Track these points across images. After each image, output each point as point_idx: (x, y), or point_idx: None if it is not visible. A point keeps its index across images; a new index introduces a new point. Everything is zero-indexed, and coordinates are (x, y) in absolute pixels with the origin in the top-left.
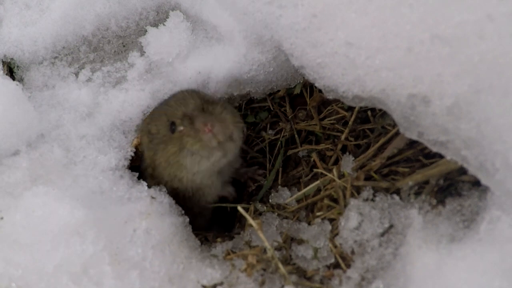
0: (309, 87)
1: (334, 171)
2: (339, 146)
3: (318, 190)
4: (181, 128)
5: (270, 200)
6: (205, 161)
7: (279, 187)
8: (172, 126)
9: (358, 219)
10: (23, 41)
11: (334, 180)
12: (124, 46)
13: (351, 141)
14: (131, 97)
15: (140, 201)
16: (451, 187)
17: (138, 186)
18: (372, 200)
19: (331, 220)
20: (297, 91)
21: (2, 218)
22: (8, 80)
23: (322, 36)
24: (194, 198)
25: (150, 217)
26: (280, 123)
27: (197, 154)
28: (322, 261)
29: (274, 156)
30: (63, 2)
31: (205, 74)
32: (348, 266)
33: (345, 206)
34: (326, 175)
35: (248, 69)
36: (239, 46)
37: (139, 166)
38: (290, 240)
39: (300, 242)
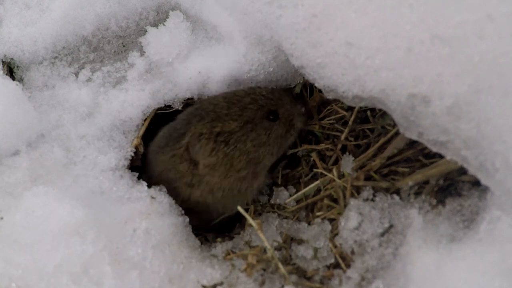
0: (309, 87)
1: (334, 171)
2: (339, 146)
3: (318, 190)
4: (299, 111)
5: (270, 200)
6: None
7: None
8: (270, 115)
9: (358, 219)
10: (23, 41)
11: (334, 180)
12: (124, 46)
13: (351, 141)
14: (131, 97)
15: (140, 201)
16: (451, 187)
17: (138, 186)
18: (372, 200)
19: (331, 220)
20: (297, 91)
21: (2, 218)
22: (8, 80)
23: (322, 36)
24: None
25: (150, 217)
26: None
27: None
28: (322, 261)
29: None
30: (63, 2)
31: (205, 74)
32: (348, 266)
33: (345, 206)
34: (326, 175)
35: (248, 69)
36: (239, 46)
37: (139, 167)
38: (290, 240)
39: (300, 242)
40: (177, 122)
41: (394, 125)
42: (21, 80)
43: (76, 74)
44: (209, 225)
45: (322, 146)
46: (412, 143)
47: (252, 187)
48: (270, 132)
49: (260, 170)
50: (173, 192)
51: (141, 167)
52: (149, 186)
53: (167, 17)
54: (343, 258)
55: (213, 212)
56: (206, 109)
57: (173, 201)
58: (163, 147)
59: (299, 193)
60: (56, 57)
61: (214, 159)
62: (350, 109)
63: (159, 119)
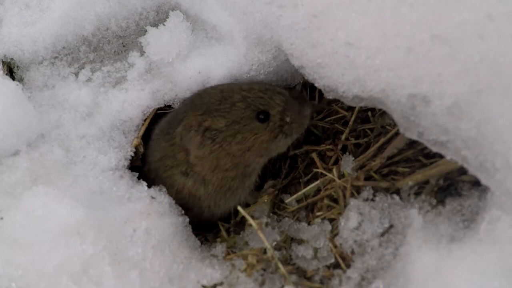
0: (309, 87)
1: (334, 171)
2: (339, 146)
3: (318, 190)
4: (287, 118)
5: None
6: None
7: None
8: (260, 116)
9: (358, 219)
10: (23, 41)
11: (334, 180)
12: (124, 46)
13: (351, 141)
14: (131, 97)
15: (140, 201)
16: (451, 187)
17: (138, 186)
18: (372, 200)
19: (331, 220)
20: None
21: (2, 218)
22: (8, 80)
23: (322, 36)
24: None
25: (150, 217)
26: None
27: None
28: (322, 261)
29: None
30: (63, 2)
31: (205, 74)
32: (348, 266)
33: (345, 206)
34: (326, 175)
35: (248, 69)
36: (239, 46)
37: (139, 167)
38: (290, 240)
39: (300, 242)
40: (180, 107)
41: (394, 125)
42: (21, 80)
43: (76, 74)
44: (201, 223)
45: (322, 146)
46: (412, 143)
47: (243, 187)
48: (257, 135)
49: (251, 171)
50: (169, 180)
51: (141, 167)
52: (148, 183)
53: (167, 17)
54: (343, 258)
55: (204, 209)
56: (202, 99)
57: (173, 201)
58: (165, 134)
59: (299, 193)
60: (56, 57)
61: (201, 153)
62: (350, 109)
63: (159, 119)
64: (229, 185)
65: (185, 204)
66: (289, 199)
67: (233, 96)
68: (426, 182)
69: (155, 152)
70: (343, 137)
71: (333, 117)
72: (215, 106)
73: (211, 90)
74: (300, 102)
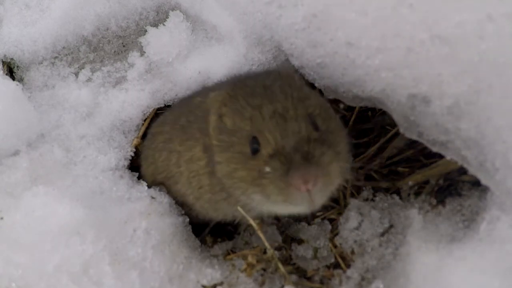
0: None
1: None
2: None
3: None
4: (267, 169)
5: None
6: (281, 207)
7: None
8: (254, 144)
9: (358, 219)
10: (23, 41)
11: None
12: (124, 46)
13: (351, 141)
14: (131, 97)
15: (140, 201)
16: (451, 187)
17: (138, 186)
18: (372, 200)
19: (331, 220)
20: None
21: (2, 218)
22: (8, 80)
23: (322, 36)
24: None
25: (150, 217)
26: None
27: (276, 202)
28: (322, 261)
29: None
30: (63, 2)
31: (205, 74)
32: (348, 266)
33: (345, 206)
34: None
35: (248, 69)
36: (239, 46)
37: (139, 167)
38: (290, 240)
39: (300, 242)
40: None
41: (394, 125)
42: (21, 80)
43: (76, 74)
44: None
45: None
46: (412, 143)
47: (226, 201)
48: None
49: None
50: (173, 168)
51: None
52: (148, 186)
53: (167, 17)
54: (343, 258)
55: (192, 209)
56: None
57: (173, 201)
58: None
59: None
60: (56, 57)
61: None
62: (350, 109)
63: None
64: (209, 197)
65: (178, 198)
66: None
67: (248, 94)
68: (426, 182)
69: None
70: None
71: None
72: (241, 98)
73: (218, 87)
74: (305, 165)
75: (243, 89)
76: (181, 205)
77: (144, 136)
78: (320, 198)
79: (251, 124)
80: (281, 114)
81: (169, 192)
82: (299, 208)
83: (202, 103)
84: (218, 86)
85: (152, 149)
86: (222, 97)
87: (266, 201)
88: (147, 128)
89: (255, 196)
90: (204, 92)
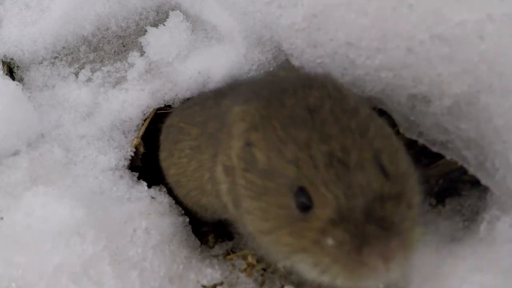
0: None
1: None
2: None
3: None
4: (330, 242)
5: None
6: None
7: None
8: (302, 198)
9: None
10: (23, 41)
11: None
12: (124, 46)
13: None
14: (131, 97)
15: (140, 201)
16: (451, 187)
17: (138, 186)
18: None
19: None
20: None
21: (2, 218)
22: (8, 80)
23: (322, 36)
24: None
25: (150, 217)
26: None
27: (341, 284)
28: None
29: None
30: (63, 2)
31: (205, 74)
32: None
33: None
34: None
35: (248, 69)
36: (239, 46)
37: (139, 167)
38: None
39: None
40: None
41: (394, 125)
42: (21, 80)
43: (76, 74)
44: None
45: None
46: (412, 143)
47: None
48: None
49: None
50: (207, 185)
51: (141, 167)
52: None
53: (167, 17)
54: None
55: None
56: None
57: (173, 201)
58: None
59: None
60: (56, 57)
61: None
62: None
63: (159, 119)
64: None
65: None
66: None
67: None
68: (426, 182)
69: None
70: None
71: None
72: (286, 128)
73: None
74: (381, 238)
75: (280, 110)
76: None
77: (144, 136)
78: (397, 272)
79: (297, 170)
80: (341, 160)
81: (197, 202)
82: (368, 285)
83: (228, 112)
84: (244, 91)
85: (179, 151)
86: (250, 116)
87: (320, 277)
88: (147, 128)
89: (305, 268)
90: (232, 94)
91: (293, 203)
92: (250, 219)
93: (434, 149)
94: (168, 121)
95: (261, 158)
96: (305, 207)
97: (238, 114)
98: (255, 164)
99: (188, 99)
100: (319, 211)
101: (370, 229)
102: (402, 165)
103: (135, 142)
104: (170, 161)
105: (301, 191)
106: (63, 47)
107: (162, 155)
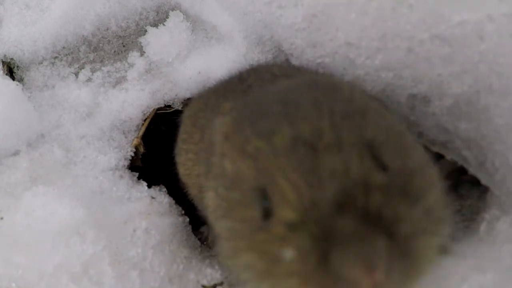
0: None
1: None
2: None
3: None
4: (287, 253)
5: None
6: None
7: None
8: (264, 202)
9: None
10: (23, 41)
11: None
12: (124, 46)
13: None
14: (131, 97)
15: (140, 201)
16: (451, 187)
17: (138, 186)
18: None
19: None
20: None
21: (2, 218)
22: (8, 80)
23: (322, 36)
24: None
25: (150, 217)
26: None
27: None
28: None
29: None
30: (63, 2)
31: (205, 74)
32: None
33: None
34: None
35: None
36: (239, 46)
37: (139, 167)
38: None
39: None
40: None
41: None
42: (21, 80)
43: (76, 74)
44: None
45: None
46: None
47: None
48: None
49: None
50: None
51: (141, 167)
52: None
53: (167, 17)
54: None
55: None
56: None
57: (173, 201)
58: None
59: None
60: (56, 57)
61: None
62: None
63: (159, 119)
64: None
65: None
66: None
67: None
68: None
69: None
70: None
71: None
72: (252, 126)
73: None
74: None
75: (254, 109)
76: None
77: (144, 136)
78: None
79: (254, 165)
80: (307, 142)
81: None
82: None
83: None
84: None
85: (185, 151)
86: (226, 127)
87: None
88: (147, 128)
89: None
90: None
91: (258, 213)
92: (220, 246)
93: (434, 149)
94: (186, 112)
95: (229, 167)
96: (268, 213)
97: (217, 128)
98: (225, 176)
99: (189, 98)
100: (278, 212)
101: (342, 224)
102: (412, 163)
103: (135, 142)
104: (179, 159)
105: (264, 193)
106: (63, 47)
107: (176, 149)
